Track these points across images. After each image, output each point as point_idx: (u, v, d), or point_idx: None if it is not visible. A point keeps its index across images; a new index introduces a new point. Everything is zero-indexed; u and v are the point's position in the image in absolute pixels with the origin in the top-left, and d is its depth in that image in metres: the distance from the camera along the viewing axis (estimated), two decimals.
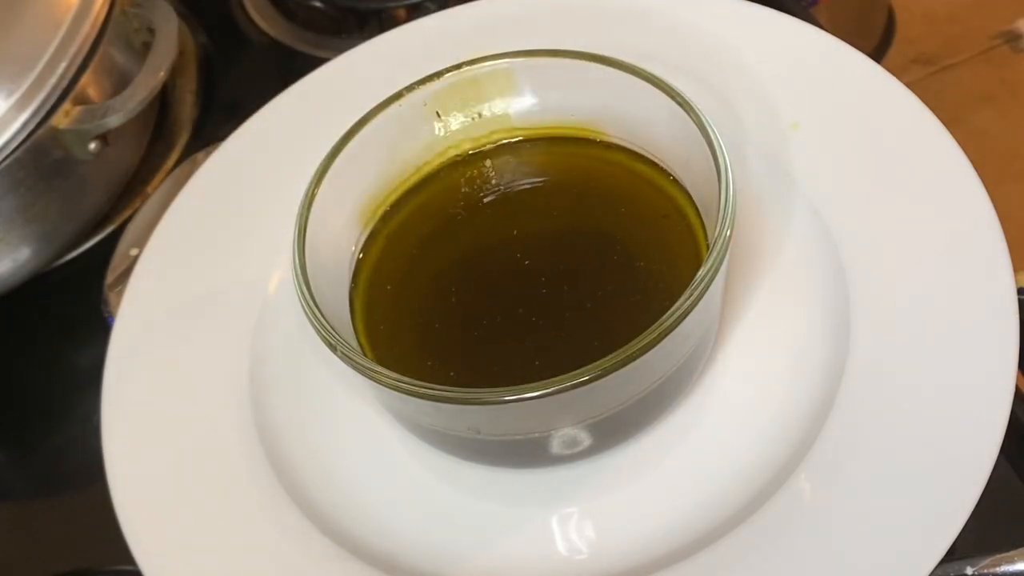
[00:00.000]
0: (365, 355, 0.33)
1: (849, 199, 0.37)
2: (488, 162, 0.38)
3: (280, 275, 0.40)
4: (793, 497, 0.32)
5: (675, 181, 0.36)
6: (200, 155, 0.49)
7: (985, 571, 0.31)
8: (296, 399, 0.38)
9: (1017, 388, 0.32)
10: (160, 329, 0.40)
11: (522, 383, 0.28)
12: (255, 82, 0.56)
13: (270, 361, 0.39)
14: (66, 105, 0.44)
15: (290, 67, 0.54)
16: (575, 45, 0.35)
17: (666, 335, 0.28)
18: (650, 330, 0.28)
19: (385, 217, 0.38)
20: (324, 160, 0.34)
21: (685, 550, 0.32)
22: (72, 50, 0.44)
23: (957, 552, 0.31)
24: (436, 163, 0.38)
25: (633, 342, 0.28)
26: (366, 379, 0.30)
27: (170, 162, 0.53)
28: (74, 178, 0.47)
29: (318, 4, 0.58)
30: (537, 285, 0.35)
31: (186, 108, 0.54)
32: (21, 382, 0.48)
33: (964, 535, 0.30)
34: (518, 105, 0.37)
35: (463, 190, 0.38)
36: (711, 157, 0.31)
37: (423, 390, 0.29)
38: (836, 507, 0.31)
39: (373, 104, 0.36)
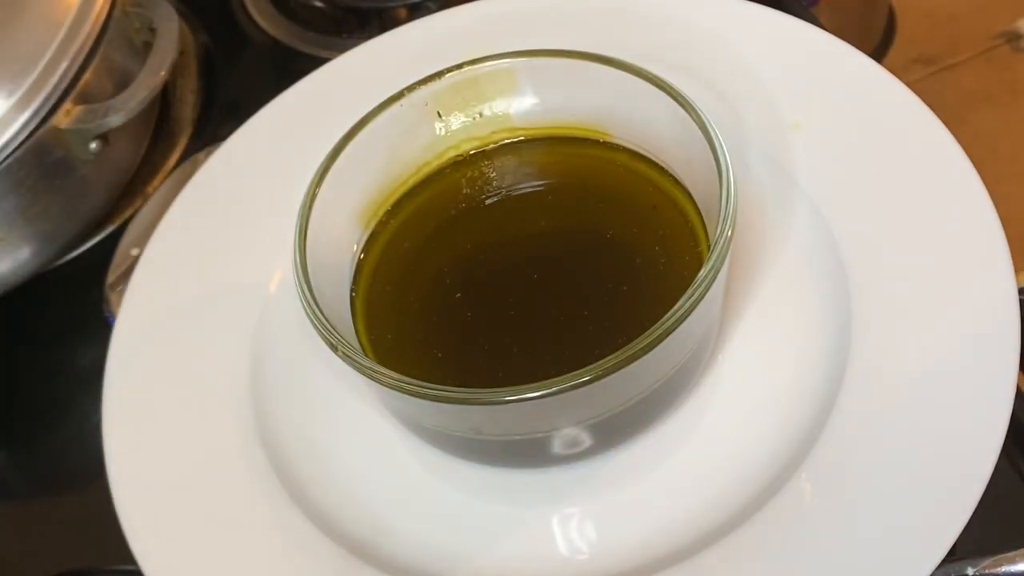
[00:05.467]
0: (366, 355, 0.33)
1: (850, 199, 0.37)
2: (489, 162, 0.38)
3: (281, 275, 0.40)
4: (794, 497, 0.32)
5: (676, 181, 0.36)
6: (201, 155, 0.49)
7: (986, 571, 0.31)
8: (297, 399, 0.38)
9: (1018, 388, 0.32)
10: (160, 329, 0.40)
11: (523, 383, 0.28)
12: (255, 82, 0.56)
13: (270, 361, 0.39)
14: (67, 105, 0.44)
15: (290, 67, 0.54)
16: (576, 45, 0.35)
17: (667, 335, 0.28)
18: (651, 331, 0.28)
19: (386, 217, 0.38)
20: (325, 160, 0.34)
21: (686, 550, 0.32)
22: (73, 50, 0.44)
23: (958, 552, 0.31)
24: (437, 163, 0.38)
25: (634, 342, 0.28)
26: (367, 379, 0.30)
27: (171, 162, 0.52)
28: (75, 178, 0.47)
29: (319, 4, 0.58)
30: (538, 285, 0.35)
31: (187, 108, 0.54)
32: (21, 382, 0.48)
33: (965, 535, 0.30)
34: (519, 105, 0.37)
35: (464, 190, 0.38)
36: (712, 157, 0.31)
37: (424, 390, 0.29)
38: (837, 507, 0.31)
39: (374, 104, 0.35)
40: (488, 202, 0.38)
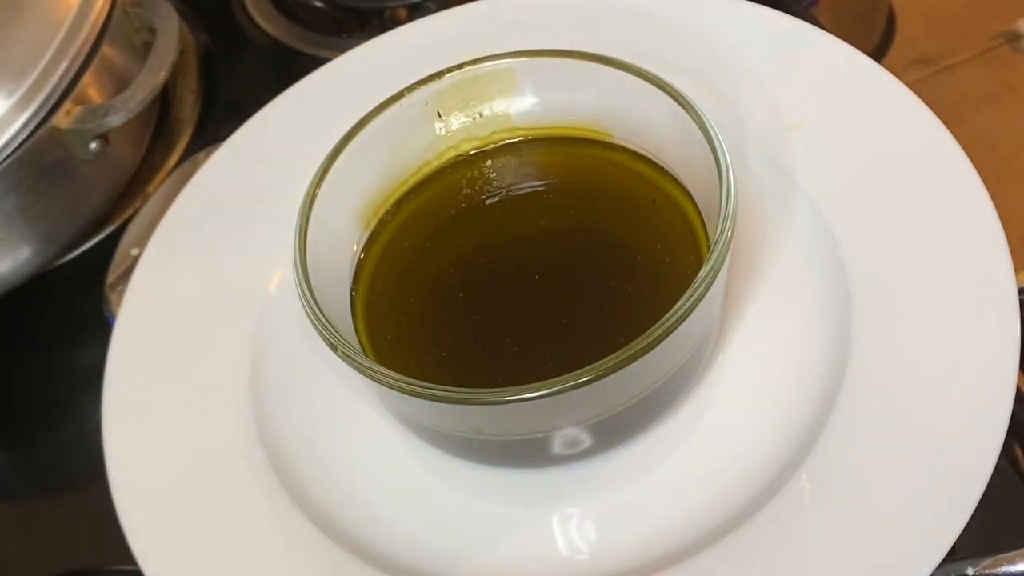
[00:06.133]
0: (366, 355, 0.33)
1: (850, 199, 0.37)
2: (489, 162, 0.38)
3: (281, 275, 0.40)
4: (794, 497, 0.32)
5: (676, 181, 0.36)
6: (201, 155, 0.49)
7: (986, 571, 0.31)
8: (296, 399, 0.38)
9: (1017, 388, 0.32)
10: (160, 329, 0.40)
11: (523, 383, 0.28)
12: (255, 82, 0.56)
13: (270, 361, 0.39)
14: (67, 105, 0.44)
15: (290, 67, 0.54)
16: (576, 45, 0.35)
17: (667, 335, 0.28)
18: (651, 331, 0.28)
19: (386, 217, 0.38)
20: (325, 160, 0.34)
21: (686, 550, 0.32)
22: (73, 50, 0.44)
23: (958, 552, 0.31)
24: (437, 163, 0.38)
25: (634, 342, 0.28)
26: (367, 379, 0.30)
27: (171, 161, 0.52)
28: (75, 178, 0.47)
29: (319, 4, 0.58)
30: (538, 285, 0.35)
31: (187, 108, 0.54)
32: (21, 382, 0.48)
33: (965, 535, 0.30)
34: (519, 105, 0.37)
35: (464, 190, 0.38)
36: (712, 157, 0.31)
37: (424, 390, 0.29)
38: (837, 507, 0.31)
39: (374, 104, 0.36)
40: (488, 202, 0.38)
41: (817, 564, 0.31)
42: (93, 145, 0.46)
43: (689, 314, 0.29)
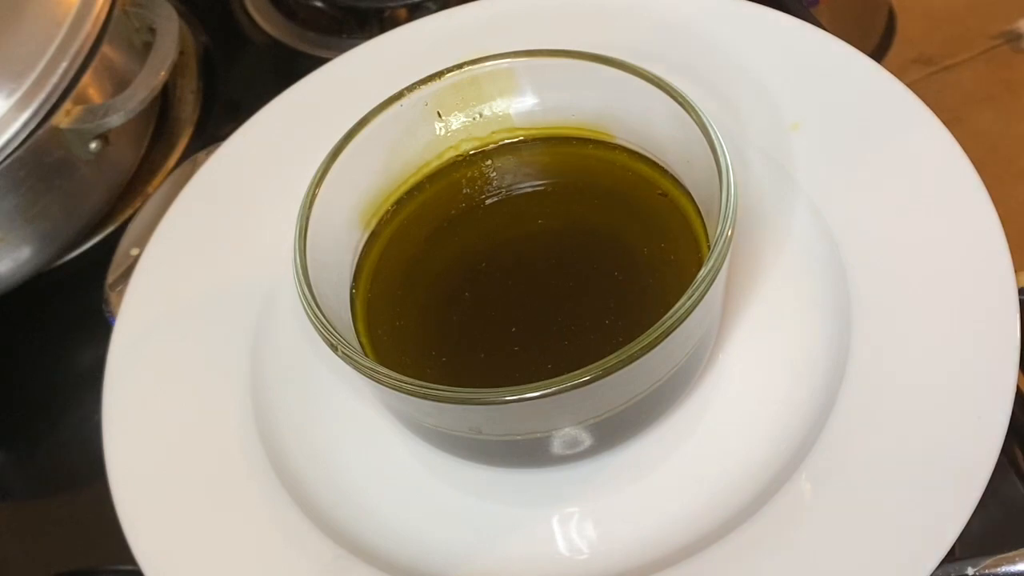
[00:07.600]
0: (366, 355, 0.33)
1: (850, 199, 0.37)
2: (489, 162, 0.38)
3: (281, 275, 0.40)
4: (794, 497, 0.32)
5: (676, 181, 0.36)
6: (201, 155, 0.49)
7: (986, 571, 0.31)
8: (297, 399, 0.38)
9: (1017, 388, 0.32)
10: (160, 329, 0.40)
11: (523, 383, 0.28)
12: (255, 82, 0.56)
13: (270, 361, 0.39)
14: (67, 105, 0.44)
15: (290, 67, 0.54)
16: (576, 45, 0.35)
17: (667, 335, 0.28)
18: (651, 330, 0.28)
19: (386, 217, 0.38)
20: (325, 160, 0.34)
21: (686, 550, 0.32)
22: (73, 50, 0.44)
23: (958, 552, 0.31)
24: (437, 163, 0.38)
25: (634, 342, 0.28)
26: (367, 379, 0.30)
27: (171, 161, 0.53)
28: (75, 178, 0.47)
29: (319, 4, 0.58)
30: (538, 285, 0.35)
31: (187, 108, 0.55)
32: (21, 382, 0.48)
33: (965, 535, 0.30)
34: (519, 105, 0.37)
35: (464, 190, 0.38)
36: (712, 157, 0.31)
37: (424, 390, 0.29)
38: (837, 507, 0.31)
39: (374, 104, 0.36)
40: (488, 202, 0.38)
41: (817, 564, 0.31)
42: (93, 145, 0.46)
43: (689, 314, 0.29)
